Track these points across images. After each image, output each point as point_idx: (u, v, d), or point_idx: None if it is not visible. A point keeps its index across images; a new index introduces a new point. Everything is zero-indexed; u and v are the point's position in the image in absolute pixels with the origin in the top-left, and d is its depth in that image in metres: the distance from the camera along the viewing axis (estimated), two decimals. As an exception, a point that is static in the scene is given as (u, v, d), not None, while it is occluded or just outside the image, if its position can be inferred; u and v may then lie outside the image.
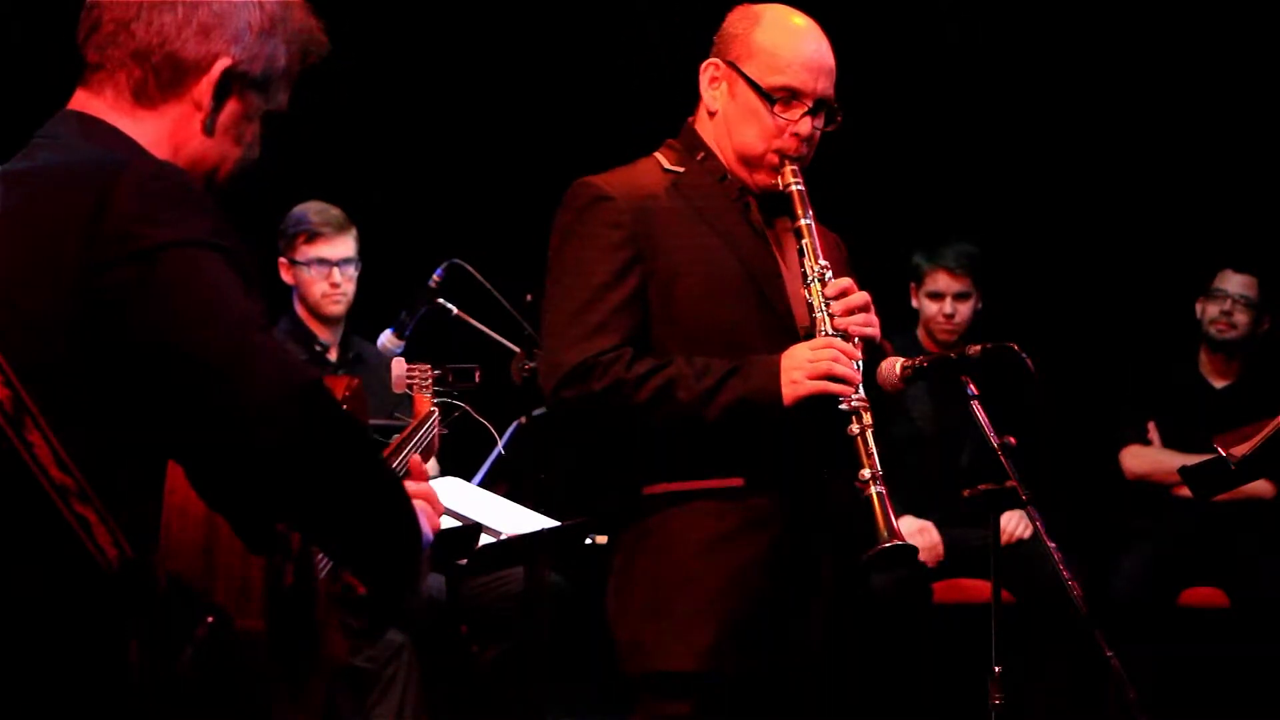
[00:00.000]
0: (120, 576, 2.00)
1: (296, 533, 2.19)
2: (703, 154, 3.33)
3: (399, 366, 3.66)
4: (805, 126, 3.26)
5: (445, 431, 3.19)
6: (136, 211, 2.01)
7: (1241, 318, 6.02)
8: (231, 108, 2.21)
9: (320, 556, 2.26)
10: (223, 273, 2.01)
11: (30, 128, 2.22)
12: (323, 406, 2.02)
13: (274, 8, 2.22)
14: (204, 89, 2.18)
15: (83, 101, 2.20)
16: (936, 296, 5.82)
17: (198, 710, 2.03)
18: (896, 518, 3.08)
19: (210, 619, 2.03)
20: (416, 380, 3.56)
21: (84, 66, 2.21)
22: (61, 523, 1.99)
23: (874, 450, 3.09)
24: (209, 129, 2.20)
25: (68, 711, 2.01)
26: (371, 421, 3.66)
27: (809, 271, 3.21)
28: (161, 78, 2.17)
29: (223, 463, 2.01)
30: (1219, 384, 6.08)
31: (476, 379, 3.78)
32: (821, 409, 3.12)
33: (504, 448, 4.78)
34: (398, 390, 3.58)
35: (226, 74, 2.19)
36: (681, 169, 3.32)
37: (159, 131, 2.18)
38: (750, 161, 3.29)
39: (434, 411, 2.81)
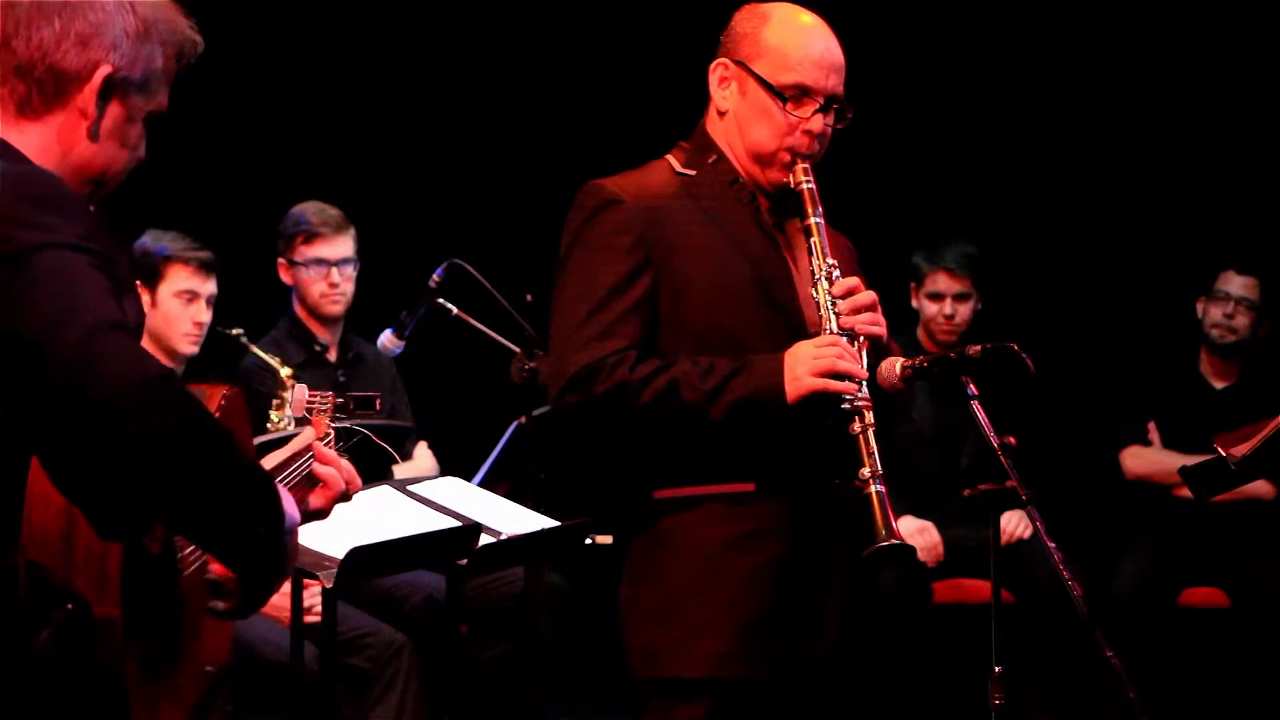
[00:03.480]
0: None
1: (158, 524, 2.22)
2: (714, 156, 3.32)
3: (301, 392, 3.84)
4: (817, 124, 3.26)
5: (344, 456, 3.28)
6: (7, 215, 2.05)
7: (1242, 320, 6.02)
8: (115, 112, 2.27)
9: (189, 549, 2.29)
10: (85, 274, 2.05)
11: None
12: (169, 399, 2.05)
13: (146, 10, 2.28)
14: (87, 97, 2.24)
15: None
16: (936, 297, 5.83)
17: (53, 694, 2.07)
18: (896, 517, 3.08)
19: (69, 605, 2.07)
20: (316, 405, 3.70)
21: None
22: None
23: (875, 449, 3.08)
24: (94, 135, 2.26)
25: None
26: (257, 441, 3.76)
27: (816, 270, 3.21)
28: (45, 90, 2.23)
29: (73, 455, 2.05)
30: (1219, 385, 6.08)
31: (377, 406, 3.90)
32: (825, 407, 3.12)
33: (499, 452, 4.79)
34: (296, 414, 3.72)
35: (108, 81, 2.24)
36: (693, 171, 3.31)
37: (45, 140, 2.24)
38: (762, 159, 3.29)
39: (329, 434, 2.88)
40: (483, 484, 4.57)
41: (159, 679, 2.20)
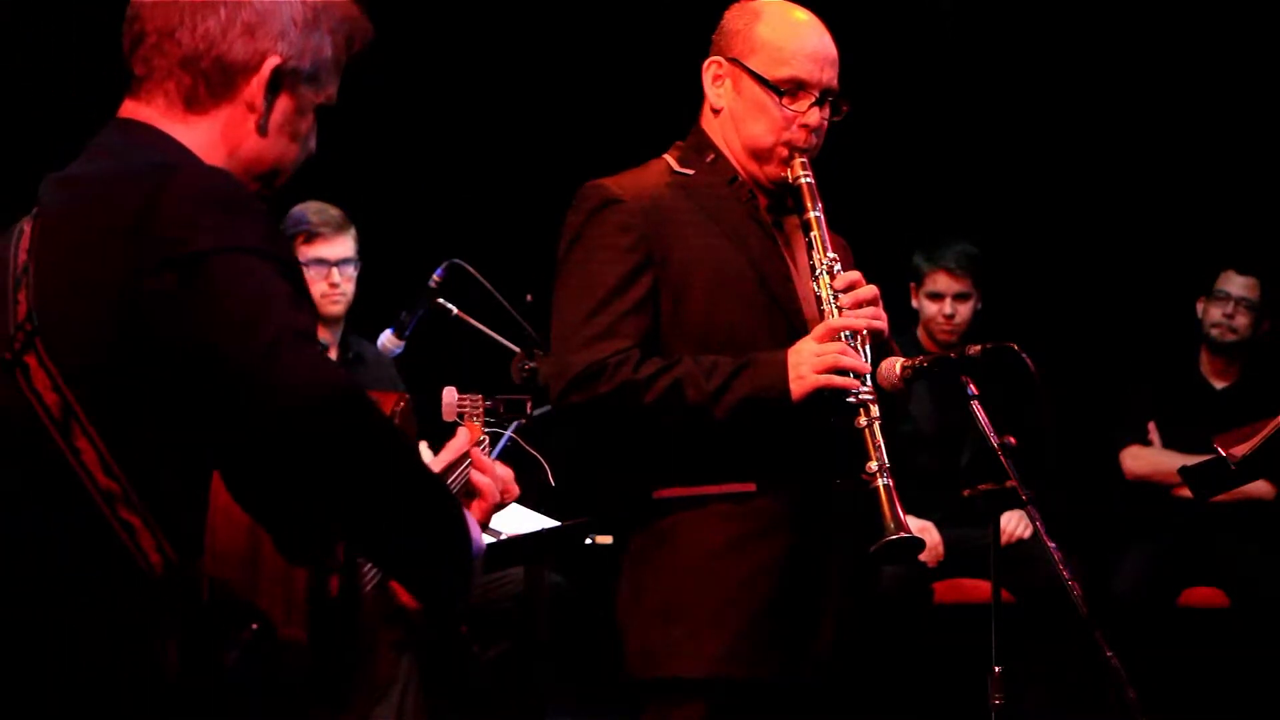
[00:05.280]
0: (163, 581, 2.00)
1: (341, 544, 2.17)
2: (712, 155, 3.32)
3: (450, 395, 3.62)
4: (813, 117, 3.26)
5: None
6: (184, 217, 2.00)
7: (1242, 320, 6.02)
8: (284, 105, 2.20)
9: (366, 570, 2.24)
10: (269, 280, 2.00)
11: (83, 137, 2.21)
12: (358, 415, 1.99)
13: None
14: (255, 89, 2.17)
15: (132, 110, 2.18)
16: (936, 297, 5.82)
17: (238, 714, 2.04)
18: (904, 511, 3.08)
19: (255, 625, 2.03)
20: (467, 409, 3.54)
21: (130, 77, 2.19)
22: (107, 528, 2.00)
23: (881, 443, 3.09)
24: (263, 129, 2.18)
25: (108, 710, 2.01)
26: None
27: (817, 264, 3.21)
28: (211, 82, 2.16)
29: (258, 470, 2.00)
30: (1219, 385, 6.08)
31: (529, 410, 3.74)
32: (829, 404, 3.12)
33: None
34: (448, 419, 3.56)
35: (276, 72, 2.17)
36: (690, 170, 3.31)
37: (213, 136, 2.16)
38: (760, 155, 3.29)
39: (484, 440, 2.77)
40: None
41: (341, 704, 2.16)
